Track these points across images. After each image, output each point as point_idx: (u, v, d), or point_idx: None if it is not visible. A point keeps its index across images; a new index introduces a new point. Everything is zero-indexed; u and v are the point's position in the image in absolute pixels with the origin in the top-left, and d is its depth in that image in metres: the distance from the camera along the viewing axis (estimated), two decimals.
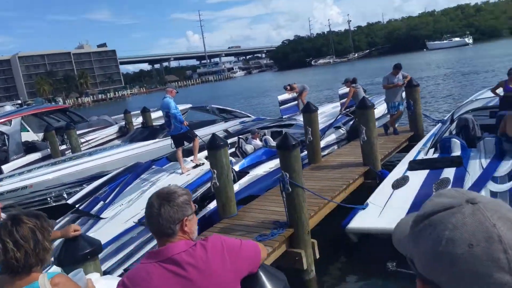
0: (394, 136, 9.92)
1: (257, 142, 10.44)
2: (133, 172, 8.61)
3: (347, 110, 11.83)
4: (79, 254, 2.90)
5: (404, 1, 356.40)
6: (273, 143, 10.14)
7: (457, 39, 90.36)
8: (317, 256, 5.81)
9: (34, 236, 1.92)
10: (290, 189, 5.41)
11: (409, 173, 7.11)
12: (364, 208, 6.38)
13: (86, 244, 2.96)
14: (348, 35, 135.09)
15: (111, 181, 8.42)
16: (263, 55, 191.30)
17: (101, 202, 7.65)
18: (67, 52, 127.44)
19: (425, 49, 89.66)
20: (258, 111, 25.63)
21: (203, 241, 1.77)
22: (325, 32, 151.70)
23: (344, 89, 11.86)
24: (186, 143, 8.64)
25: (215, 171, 6.32)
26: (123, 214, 7.22)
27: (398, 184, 6.85)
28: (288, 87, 14.98)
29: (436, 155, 7.63)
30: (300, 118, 11.76)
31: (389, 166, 8.87)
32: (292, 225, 5.57)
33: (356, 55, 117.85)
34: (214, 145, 6.34)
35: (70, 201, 7.94)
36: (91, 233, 6.75)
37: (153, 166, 8.93)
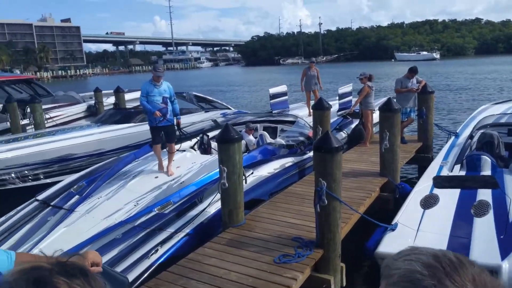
0: (401, 145, 9.13)
1: (251, 138, 9.39)
2: (114, 165, 7.37)
3: (345, 111, 10.96)
4: None
5: (372, 11, 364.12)
6: (269, 140, 9.10)
7: (425, 53, 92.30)
8: (344, 283, 4.85)
9: None
10: (326, 202, 4.40)
11: (437, 191, 6.31)
12: (393, 229, 5.47)
13: (109, 286, 1.76)
14: (318, 38, 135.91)
15: (88, 175, 7.15)
16: (231, 49, 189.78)
17: (76, 197, 6.38)
18: (28, 24, 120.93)
19: (393, 60, 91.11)
20: (231, 104, 24.44)
21: None
22: (295, 33, 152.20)
23: (345, 88, 10.97)
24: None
25: (225, 169, 5.22)
26: (101, 208, 6.02)
27: (428, 203, 6.01)
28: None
29: (463, 173, 6.89)
30: (295, 114, 10.78)
31: (401, 178, 8.08)
32: (323, 245, 4.57)
33: (324, 58, 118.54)
34: (227, 138, 5.23)
35: (39, 197, 6.58)
36: (61, 228, 5.58)
37: (136, 160, 7.72)
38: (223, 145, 5.27)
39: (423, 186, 6.57)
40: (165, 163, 7.12)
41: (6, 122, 11.30)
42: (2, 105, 12.26)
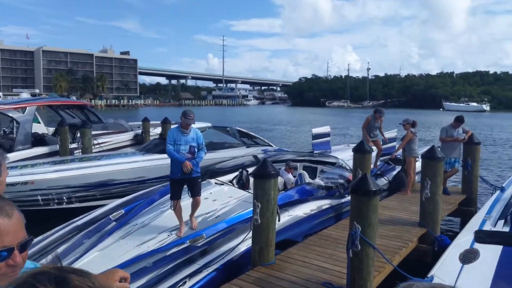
0: (444, 196, 8.79)
1: (290, 176, 9.34)
2: (153, 194, 7.54)
3: (387, 157, 10.77)
4: None
5: (423, 59, 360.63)
6: (308, 179, 9.03)
7: (474, 104, 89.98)
8: None
9: None
10: (360, 247, 4.28)
11: (477, 246, 5.99)
12: None
13: None
14: (365, 82, 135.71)
15: (128, 203, 7.32)
16: (278, 88, 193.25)
17: (113, 223, 6.52)
18: (90, 54, 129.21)
19: (441, 109, 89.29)
20: (275, 142, 24.58)
21: None
22: (343, 76, 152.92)
23: (390, 134, 10.83)
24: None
25: (259, 205, 5.21)
26: (136, 235, 6.12)
27: (467, 257, 5.71)
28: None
29: (506, 229, 6.53)
30: (336, 156, 10.68)
31: (443, 231, 7.74)
32: None
33: (371, 103, 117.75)
34: (263, 173, 5.25)
35: (79, 222, 6.80)
36: (95, 252, 5.69)
37: None
38: (259, 180, 5.29)
39: (464, 239, 6.27)
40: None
41: (56, 144, 11.89)
42: (55, 128, 12.96)
